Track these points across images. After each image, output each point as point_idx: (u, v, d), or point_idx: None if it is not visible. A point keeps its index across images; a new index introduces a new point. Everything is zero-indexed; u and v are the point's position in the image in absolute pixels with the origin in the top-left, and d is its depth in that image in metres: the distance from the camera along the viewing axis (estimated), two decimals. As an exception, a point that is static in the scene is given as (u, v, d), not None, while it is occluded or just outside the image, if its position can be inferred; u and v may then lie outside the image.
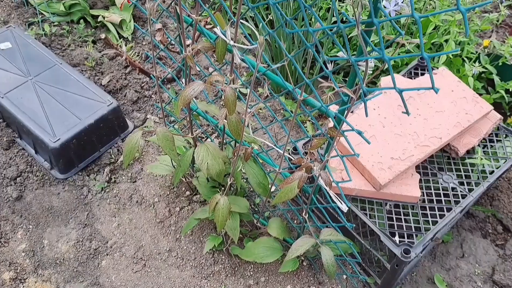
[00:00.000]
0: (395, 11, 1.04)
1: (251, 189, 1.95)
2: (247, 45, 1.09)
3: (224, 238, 1.78)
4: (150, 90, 2.34)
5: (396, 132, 1.60)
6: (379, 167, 1.52)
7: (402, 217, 1.52)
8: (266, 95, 1.09)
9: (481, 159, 1.63)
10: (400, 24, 2.10)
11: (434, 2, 2.11)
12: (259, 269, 1.76)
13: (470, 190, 1.58)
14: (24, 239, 1.80)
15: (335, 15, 2.20)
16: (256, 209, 1.90)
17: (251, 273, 1.75)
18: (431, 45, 2.09)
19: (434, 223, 1.49)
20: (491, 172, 1.63)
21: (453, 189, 1.59)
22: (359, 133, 0.95)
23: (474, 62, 2.04)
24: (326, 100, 1.00)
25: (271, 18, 2.38)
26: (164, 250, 1.81)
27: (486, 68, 2.04)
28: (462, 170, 1.65)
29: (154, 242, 1.83)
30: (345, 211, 1.18)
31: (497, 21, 2.38)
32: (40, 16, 2.54)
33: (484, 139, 1.73)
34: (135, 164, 2.07)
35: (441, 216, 1.50)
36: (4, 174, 1.93)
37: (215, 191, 1.67)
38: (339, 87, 0.92)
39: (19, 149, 2.04)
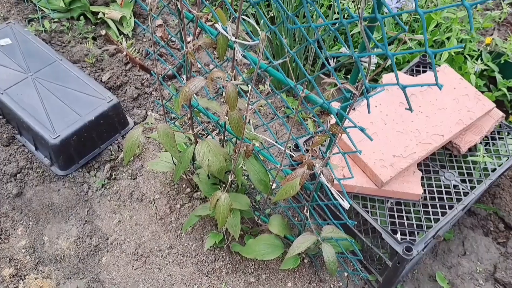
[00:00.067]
0: (397, 8, 1.03)
1: (252, 186, 1.94)
2: (249, 41, 1.08)
3: (225, 235, 1.77)
4: (150, 87, 2.34)
5: (398, 130, 1.59)
6: (380, 165, 1.51)
7: (404, 214, 1.51)
8: (267, 91, 1.08)
9: (483, 156, 1.62)
10: (402, 21, 2.09)
11: (436, 0, 2.10)
12: (260, 266, 1.76)
13: (472, 188, 1.57)
14: (24, 236, 1.80)
15: (337, 10, 2.19)
16: (257, 206, 1.90)
17: (252, 270, 1.75)
18: (433, 42, 2.08)
19: (436, 220, 1.48)
20: (493, 170, 1.62)
21: (455, 186, 1.59)
22: (362, 129, 0.95)
23: (476, 59, 2.03)
24: (328, 96, 1.00)
25: (272, 15, 2.37)
26: (165, 247, 1.80)
27: (488, 66, 2.03)
28: (464, 167, 1.64)
29: (155, 239, 1.82)
30: (347, 208, 1.18)
31: (499, 18, 2.37)
32: (40, 13, 2.53)
33: (486, 136, 1.72)
34: (136, 161, 2.06)
35: (443, 214, 1.50)
36: (4, 171, 1.93)
37: (216, 188, 1.66)
38: (342, 84, 0.91)
39: (19, 145, 2.03)
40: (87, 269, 1.74)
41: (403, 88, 0.75)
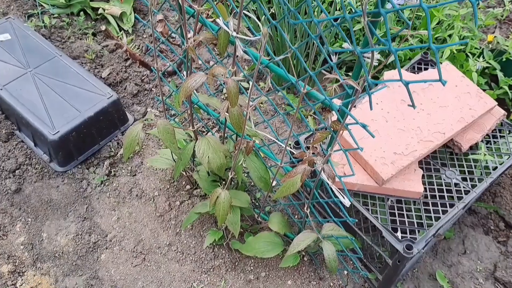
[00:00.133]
0: (400, 5, 1.02)
1: (252, 183, 1.93)
2: (250, 37, 1.07)
3: (224, 232, 1.76)
4: (150, 84, 2.33)
5: (399, 127, 1.59)
6: (381, 162, 1.50)
7: (405, 212, 1.51)
8: (268, 88, 1.07)
9: (485, 155, 1.61)
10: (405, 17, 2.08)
11: (438, -4, 2.10)
12: (260, 264, 1.75)
13: (473, 186, 1.56)
14: (23, 232, 1.79)
15: (339, 7, 2.18)
16: (257, 203, 1.89)
17: (252, 268, 1.74)
18: (435, 39, 2.07)
19: (437, 219, 1.48)
20: (495, 168, 1.61)
21: (456, 185, 1.58)
22: (364, 126, 0.94)
23: (478, 57, 2.02)
24: (331, 92, 0.99)
25: (273, 11, 2.36)
26: (164, 244, 1.79)
27: (490, 64, 2.02)
28: (465, 166, 1.64)
29: (154, 236, 1.82)
30: (348, 206, 1.17)
31: (501, 16, 2.36)
32: (40, 8, 2.51)
33: (487, 134, 1.71)
34: (135, 157, 2.05)
35: (444, 212, 1.49)
36: (3, 167, 1.92)
37: (216, 185, 1.66)
38: (344, 80, 0.90)
39: (18, 141, 2.02)
40: (86, 266, 1.73)
41: (406, 84, 0.74)
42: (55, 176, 1.94)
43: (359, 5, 2.14)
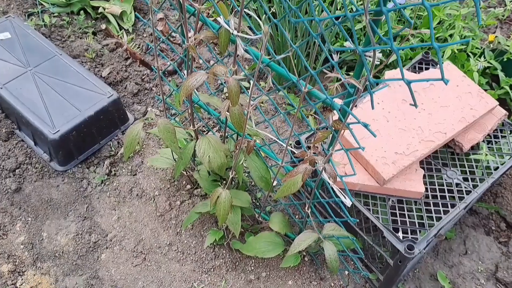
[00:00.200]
0: (400, 4, 1.01)
1: (253, 183, 1.93)
2: (251, 35, 1.06)
3: (225, 232, 1.76)
4: (151, 83, 2.32)
5: (400, 127, 1.58)
6: (383, 162, 1.50)
7: (406, 212, 1.50)
8: (269, 87, 1.06)
9: (486, 155, 1.61)
10: (404, 19, 2.08)
11: (440, -4, 2.09)
12: (260, 264, 1.75)
13: (475, 186, 1.56)
14: (23, 232, 1.79)
15: (339, 6, 2.18)
16: (258, 203, 1.89)
17: (252, 268, 1.74)
18: (436, 39, 2.06)
19: (438, 219, 1.47)
20: (496, 168, 1.61)
21: (457, 185, 1.58)
22: (365, 125, 0.93)
23: (479, 57, 2.01)
24: (332, 91, 0.98)
25: (274, 10, 2.36)
26: (165, 244, 1.79)
27: (491, 64, 2.01)
28: (466, 166, 1.63)
29: (154, 236, 1.81)
30: (349, 206, 1.17)
31: (502, 16, 2.36)
32: (40, 7, 2.51)
33: (488, 135, 1.71)
34: (136, 157, 2.05)
35: (445, 212, 1.49)
36: (3, 166, 1.91)
37: (216, 184, 1.65)
38: (345, 78, 0.89)
39: (18, 140, 2.02)
40: (86, 265, 1.72)
41: (408, 83, 0.74)
42: (55, 176, 1.94)
43: (361, 4, 2.14)
